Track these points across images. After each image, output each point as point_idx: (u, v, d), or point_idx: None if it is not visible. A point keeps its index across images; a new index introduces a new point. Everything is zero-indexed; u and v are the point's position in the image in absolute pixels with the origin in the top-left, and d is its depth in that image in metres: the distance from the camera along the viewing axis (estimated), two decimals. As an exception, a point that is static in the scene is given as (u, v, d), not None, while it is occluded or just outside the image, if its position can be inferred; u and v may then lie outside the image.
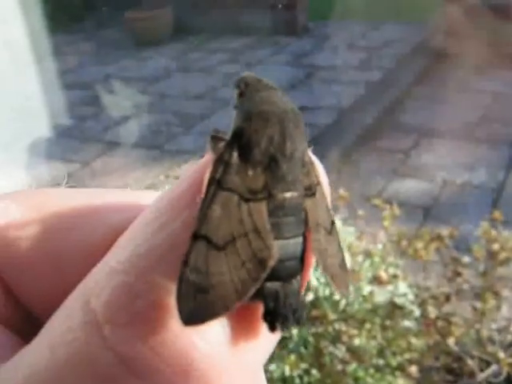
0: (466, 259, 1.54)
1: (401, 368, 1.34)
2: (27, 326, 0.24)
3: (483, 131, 3.25)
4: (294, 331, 1.27)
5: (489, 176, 2.83)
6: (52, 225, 0.25)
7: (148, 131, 3.52)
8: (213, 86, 4.05)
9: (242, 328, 0.21)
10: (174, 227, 0.21)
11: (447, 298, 1.48)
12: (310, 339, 1.29)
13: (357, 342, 1.28)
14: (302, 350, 1.28)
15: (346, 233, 1.41)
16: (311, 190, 0.23)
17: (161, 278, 0.20)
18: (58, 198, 0.26)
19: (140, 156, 3.25)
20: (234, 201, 0.21)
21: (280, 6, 4.82)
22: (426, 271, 1.58)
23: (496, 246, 1.48)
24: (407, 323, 1.35)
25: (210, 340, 0.20)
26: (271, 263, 0.20)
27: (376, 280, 1.33)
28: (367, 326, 1.29)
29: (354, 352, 1.28)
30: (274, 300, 0.21)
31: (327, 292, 1.28)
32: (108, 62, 4.57)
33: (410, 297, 1.35)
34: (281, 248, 0.21)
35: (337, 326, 1.29)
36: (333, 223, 0.24)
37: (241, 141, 0.22)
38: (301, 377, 1.26)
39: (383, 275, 1.34)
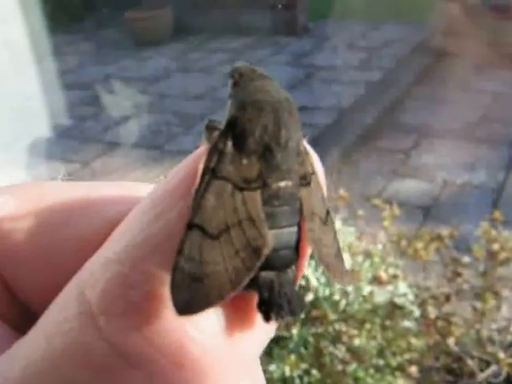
0: (465, 259, 1.54)
1: (401, 368, 1.35)
2: (24, 319, 0.24)
3: (483, 131, 3.25)
4: (294, 331, 1.27)
5: (489, 176, 2.83)
6: (47, 218, 0.25)
7: (148, 131, 3.52)
8: (213, 86, 4.05)
9: (236, 318, 0.21)
10: (169, 217, 0.21)
11: (447, 298, 1.48)
12: (310, 339, 1.29)
13: (357, 342, 1.28)
14: (302, 350, 1.28)
15: (346, 233, 1.41)
16: (306, 180, 0.23)
17: (156, 268, 0.20)
18: (53, 191, 0.26)
19: (140, 156, 3.26)
20: (228, 190, 0.21)
21: (280, 6, 4.83)
22: (425, 271, 1.58)
23: (496, 246, 1.48)
24: (407, 323, 1.35)
25: (204, 330, 0.20)
26: (265, 252, 0.20)
27: (376, 280, 1.33)
28: (367, 326, 1.29)
29: (354, 352, 1.29)
30: (268, 290, 0.21)
31: (327, 292, 1.28)
32: (108, 62, 4.57)
33: (410, 297, 1.35)
34: (275, 237, 0.21)
35: (337, 326, 1.29)
36: (328, 213, 0.24)
37: (235, 130, 0.22)
38: (301, 377, 1.26)
39: (383, 275, 1.34)
